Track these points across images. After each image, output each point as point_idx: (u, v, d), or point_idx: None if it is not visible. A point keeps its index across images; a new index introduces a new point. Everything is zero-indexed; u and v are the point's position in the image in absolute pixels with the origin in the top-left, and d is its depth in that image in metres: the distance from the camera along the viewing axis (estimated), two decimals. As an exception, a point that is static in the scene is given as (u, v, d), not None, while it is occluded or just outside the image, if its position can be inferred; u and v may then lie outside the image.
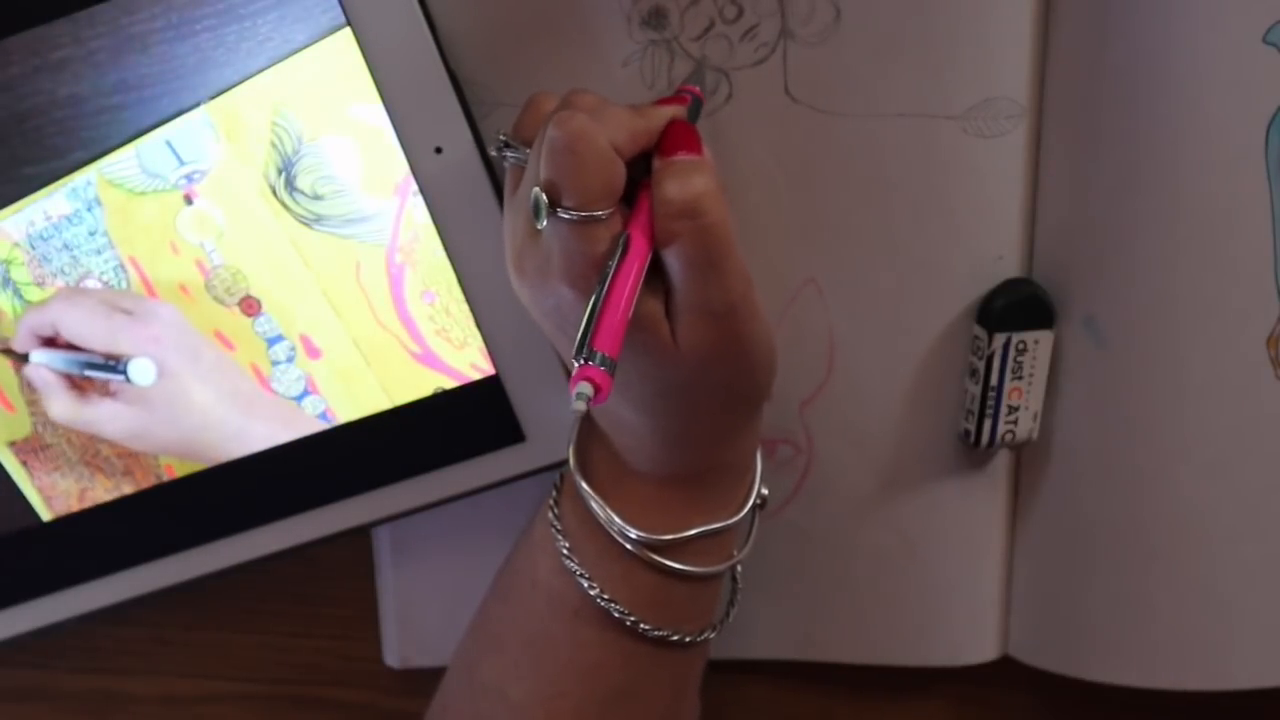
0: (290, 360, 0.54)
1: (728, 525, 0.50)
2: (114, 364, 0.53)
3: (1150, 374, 0.54)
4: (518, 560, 0.52)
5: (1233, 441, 0.54)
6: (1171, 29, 0.50)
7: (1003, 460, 0.57)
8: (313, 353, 0.54)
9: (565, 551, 0.49)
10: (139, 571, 0.55)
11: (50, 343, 0.53)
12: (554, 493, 0.51)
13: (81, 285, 0.52)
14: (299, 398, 0.54)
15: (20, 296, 0.52)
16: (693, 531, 0.49)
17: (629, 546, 0.49)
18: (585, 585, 0.49)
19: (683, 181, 0.44)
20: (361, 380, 0.54)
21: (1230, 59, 0.50)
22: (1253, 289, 0.53)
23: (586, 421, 0.51)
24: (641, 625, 0.49)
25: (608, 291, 0.43)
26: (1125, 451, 0.55)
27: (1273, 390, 0.54)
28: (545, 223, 0.43)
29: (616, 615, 0.49)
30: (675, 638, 0.50)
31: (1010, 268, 0.54)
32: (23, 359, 0.53)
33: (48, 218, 0.52)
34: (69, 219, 0.52)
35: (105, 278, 0.52)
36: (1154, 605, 0.57)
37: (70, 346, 0.53)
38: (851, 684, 0.62)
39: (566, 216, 0.43)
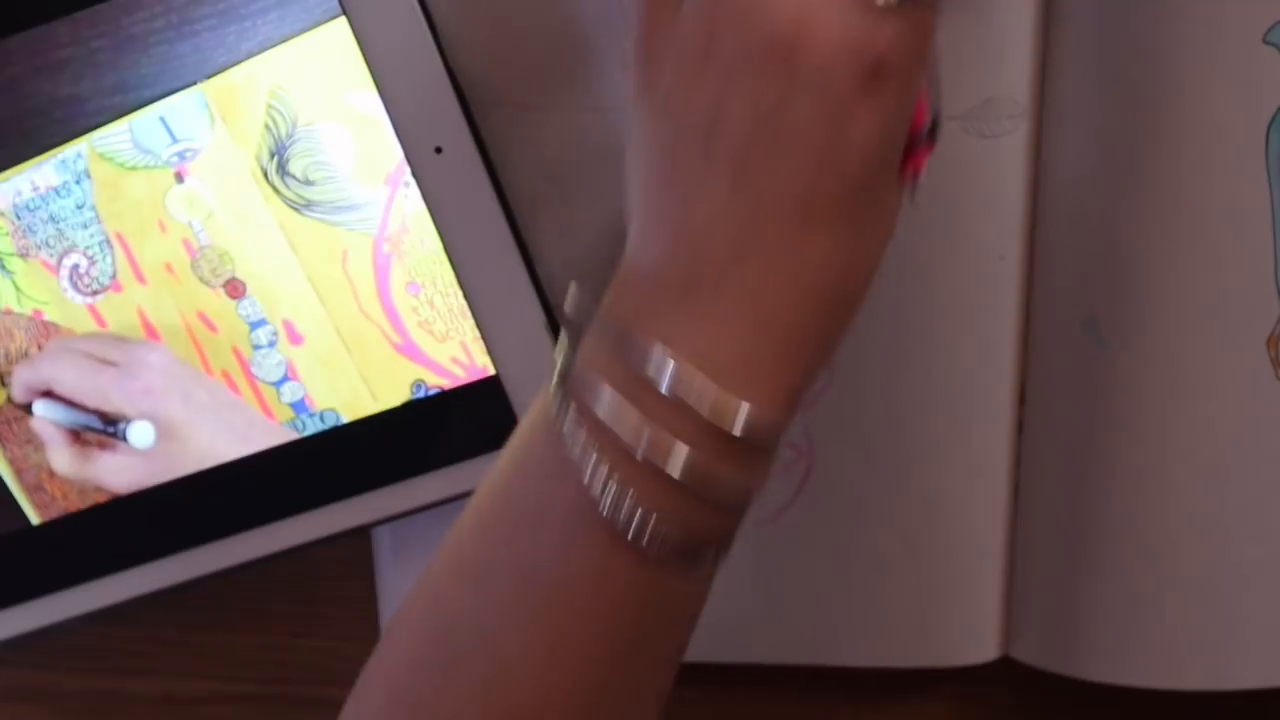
0: (272, 345, 0.53)
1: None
2: (112, 428, 0.53)
3: (1150, 374, 0.54)
4: (511, 490, 0.43)
5: (1233, 441, 0.54)
6: (1171, 29, 0.50)
7: (1003, 460, 0.57)
8: (295, 339, 0.53)
9: (604, 472, 0.40)
10: (138, 572, 0.55)
11: (48, 394, 0.53)
12: (561, 411, 0.42)
13: (67, 340, 0.52)
14: (278, 383, 0.54)
15: (3, 267, 0.52)
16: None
17: (737, 433, 0.39)
18: (628, 507, 0.40)
19: None
20: (341, 368, 0.54)
21: (1230, 59, 0.50)
22: (1253, 289, 0.53)
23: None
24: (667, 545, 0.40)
25: None
26: (1125, 451, 0.55)
27: (1273, 390, 0.54)
28: None
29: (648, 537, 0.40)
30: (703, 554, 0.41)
31: (1010, 267, 0.54)
32: (26, 410, 0.53)
33: (35, 188, 0.51)
34: (57, 191, 0.51)
35: (90, 252, 0.52)
36: (1154, 605, 0.57)
37: (68, 400, 0.53)
38: (852, 685, 0.62)
39: None
